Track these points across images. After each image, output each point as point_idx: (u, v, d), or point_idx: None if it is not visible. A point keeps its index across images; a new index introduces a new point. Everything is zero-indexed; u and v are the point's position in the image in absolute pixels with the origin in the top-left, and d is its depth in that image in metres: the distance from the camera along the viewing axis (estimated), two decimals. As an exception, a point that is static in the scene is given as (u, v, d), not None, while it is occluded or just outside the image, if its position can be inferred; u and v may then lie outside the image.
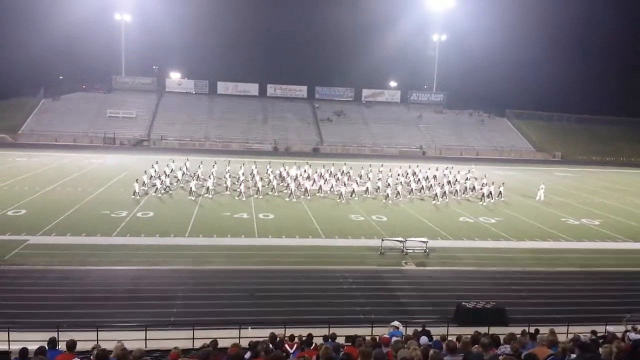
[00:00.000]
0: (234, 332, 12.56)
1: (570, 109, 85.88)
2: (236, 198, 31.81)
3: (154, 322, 13.67)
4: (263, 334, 11.05)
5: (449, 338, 9.48)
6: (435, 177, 40.63)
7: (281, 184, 36.57)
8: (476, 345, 8.15)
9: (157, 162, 39.48)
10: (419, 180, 39.18)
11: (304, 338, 10.55)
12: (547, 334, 9.58)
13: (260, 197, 32.76)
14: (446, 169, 43.51)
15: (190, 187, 32.24)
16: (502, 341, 9.56)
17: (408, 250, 21.71)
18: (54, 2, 76.16)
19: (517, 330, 11.06)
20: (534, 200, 36.40)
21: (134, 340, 11.12)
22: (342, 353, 7.66)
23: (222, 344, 9.58)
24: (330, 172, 40.15)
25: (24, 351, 7.83)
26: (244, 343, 10.14)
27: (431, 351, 7.19)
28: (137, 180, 32.08)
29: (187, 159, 42.44)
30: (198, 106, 77.88)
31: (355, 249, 22.34)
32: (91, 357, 8.14)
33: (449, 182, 38.48)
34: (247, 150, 65.34)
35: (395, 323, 12.99)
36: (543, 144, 76.46)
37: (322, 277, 18.60)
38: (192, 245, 21.67)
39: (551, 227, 28.16)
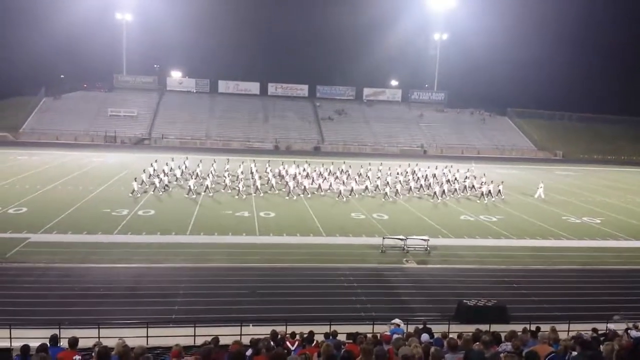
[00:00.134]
0: (236, 330, 12.56)
1: (572, 107, 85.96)
2: (235, 197, 31.83)
3: (155, 319, 13.68)
4: (264, 331, 11.07)
5: (450, 335, 9.47)
6: (434, 176, 40.60)
7: (280, 183, 36.60)
8: (477, 343, 8.13)
9: (156, 161, 39.54)
10: (418, 179, 39.18)
11: (305, 335, 10.56)
12: (548, 332, 9.57)
13: (261, 194, 32.79)
14: (445, 167, 43.49)
15: (189, 186, 32.24)
16: (503, 339, 9.55)
17: (409, 248, 21.70)
18: (55, 1, 76.53)
19: (518, 327, 11.04)
20: (534, 198, 36.38)
21: (135, 337, 11.16)
22: (343, 350, 7.63)
23: (223, 341, 9.61)
24: (330, 170, 40.17)
25: (25, 348, 7.85)
26: (245, 340, 10.12)
27: (432, 349, 7.19)
28: (135, 179, 32.11)
29: (187, 158, 42.39)
30: (199, 105, 77.91)
31: (356, 247, 22.34)
32: (93, 354, 8.15)
33: (448, 181, 38.48)
34: (248, 149, 65.33)
35: (397, 320, 13.01)
36: (544, 143, 76.37)
37: (324, 275, 18.61)
38: (194, 243, 21.66)
39: (552, 225, 28.13)
